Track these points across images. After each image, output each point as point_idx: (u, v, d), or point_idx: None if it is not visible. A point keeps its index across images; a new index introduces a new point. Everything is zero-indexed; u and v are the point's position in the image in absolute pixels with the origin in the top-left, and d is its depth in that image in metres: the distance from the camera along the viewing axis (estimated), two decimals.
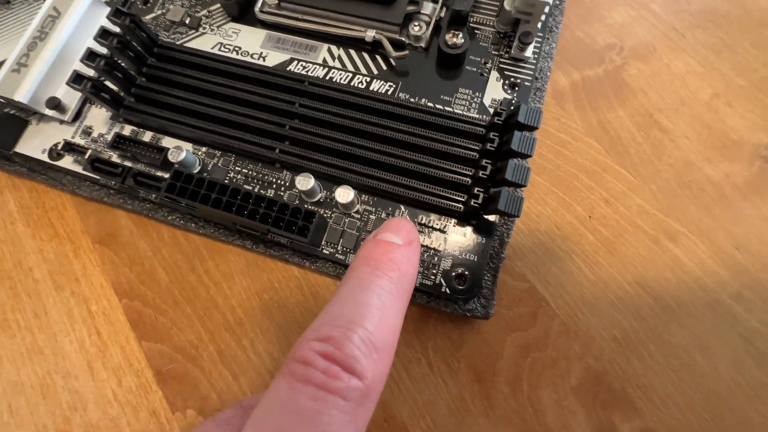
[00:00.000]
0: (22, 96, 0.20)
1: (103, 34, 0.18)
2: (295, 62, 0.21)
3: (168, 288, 0.19)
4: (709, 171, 0.19)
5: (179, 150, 0.18)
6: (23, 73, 0.20)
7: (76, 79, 0.18)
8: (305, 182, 0.17)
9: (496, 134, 0.16)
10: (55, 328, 0.19)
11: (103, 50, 0.19)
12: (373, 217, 0.18)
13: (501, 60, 0.20)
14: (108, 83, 0.19)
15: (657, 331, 0.17)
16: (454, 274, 0.17)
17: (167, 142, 0.20)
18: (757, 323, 0.17)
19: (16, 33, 0.23)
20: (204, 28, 0.22)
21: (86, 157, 0.19)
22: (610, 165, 0.19)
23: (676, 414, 0.16)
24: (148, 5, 0.23)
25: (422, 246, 0.18)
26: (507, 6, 0.19)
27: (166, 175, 0.17)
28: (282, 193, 0.19)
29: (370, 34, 0.20)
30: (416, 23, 0.20)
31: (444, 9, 0.20)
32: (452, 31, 0.19)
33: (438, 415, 0.17)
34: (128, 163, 0.20)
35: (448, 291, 0.17)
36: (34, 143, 0.21)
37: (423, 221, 0.18)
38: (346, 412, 0.09)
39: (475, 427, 0.16)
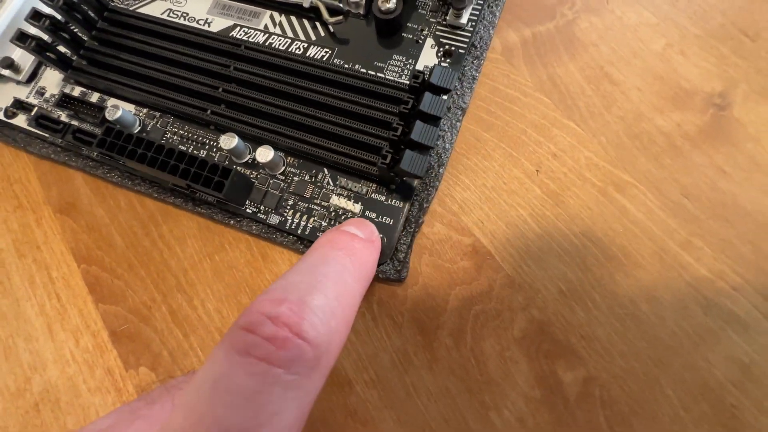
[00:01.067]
0: None
1: None
2: (238, 28, 0.21)
3: (124, 253, 0.19)
4: (660, 121, 0.18)
5: (116, 109, 0.19)
6: None
7: (21, 37, 0.19)
8: (229, 141, 0.18)
9: (412, 96, 0.16)
10: (18, 293, 0.20)
11: (50, 11, 0.19)
12: (297, 178, 0.18)
13: (438, 27, 0.20)
14: (58, 45, 0.20)
15: (602, 282, 0.17)
16: None
17: (113, 102, 0.21)
18: (705, 271, 0.16)
19: None
20: None
21: (32, 114, 0.20)
22: (558, 119, 0.19)
23: (620, 362, 0.16)
24: None
25: (341, 209, 0.18)
26: None
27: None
28: (213, 155, 0.19)
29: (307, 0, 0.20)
30: None
31: None
32: None
33: (381, 367, 0.17)
34: (75, 122, 0.20)
35: None
36: None
37: (344, 185, 0.18)
38: (289, 387, 0.08)
39: (418, 378, 0.16)
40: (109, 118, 0.19)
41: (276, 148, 0.18)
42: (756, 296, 0.16)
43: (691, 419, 0.15)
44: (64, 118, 0.21)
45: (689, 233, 0.17)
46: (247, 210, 0.18)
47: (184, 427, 0.08)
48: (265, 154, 0.18)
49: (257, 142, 0.19)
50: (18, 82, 0.22)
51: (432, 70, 0.16)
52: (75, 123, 0.20)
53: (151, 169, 0.17)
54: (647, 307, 0.16)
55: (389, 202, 0.18)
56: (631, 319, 0.16)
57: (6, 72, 0.21)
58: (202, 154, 0.19)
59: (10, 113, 0.21)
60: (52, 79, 0.22)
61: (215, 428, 0.08)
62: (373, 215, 0.18)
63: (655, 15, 0.20)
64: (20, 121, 0.21)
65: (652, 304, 0.16)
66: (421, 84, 0.16)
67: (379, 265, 0.17)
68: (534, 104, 0.19)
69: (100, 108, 0.20)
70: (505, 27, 0.20)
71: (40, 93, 0.22)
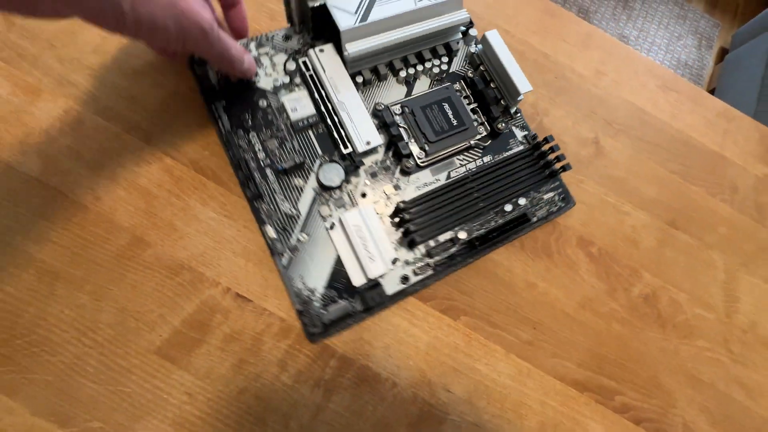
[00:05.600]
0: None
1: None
2: (448, 171, 0.40)
3: (486, 311, 0.38)
4: (583, 152, 0.47)
5: (460, 230, 0.37)
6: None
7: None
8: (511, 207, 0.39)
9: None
10: (427, 337, 0.35)
11: None
12: None
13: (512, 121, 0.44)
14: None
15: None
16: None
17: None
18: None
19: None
20: None
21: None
22: None
23: (606, 238, 0.44)
24: None
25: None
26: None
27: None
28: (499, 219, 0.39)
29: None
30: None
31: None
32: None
33: (538, 272, 0.40)
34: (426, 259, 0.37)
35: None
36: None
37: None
38: None
39: (551, 274, 0.41)
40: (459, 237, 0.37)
41: None
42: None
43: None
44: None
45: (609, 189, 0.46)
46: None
47: None
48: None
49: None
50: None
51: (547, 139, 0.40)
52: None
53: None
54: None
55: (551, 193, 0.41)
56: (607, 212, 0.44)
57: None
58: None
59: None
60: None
61: None
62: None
63: (579, 112, 0.49)
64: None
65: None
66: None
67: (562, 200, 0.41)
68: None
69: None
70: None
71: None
